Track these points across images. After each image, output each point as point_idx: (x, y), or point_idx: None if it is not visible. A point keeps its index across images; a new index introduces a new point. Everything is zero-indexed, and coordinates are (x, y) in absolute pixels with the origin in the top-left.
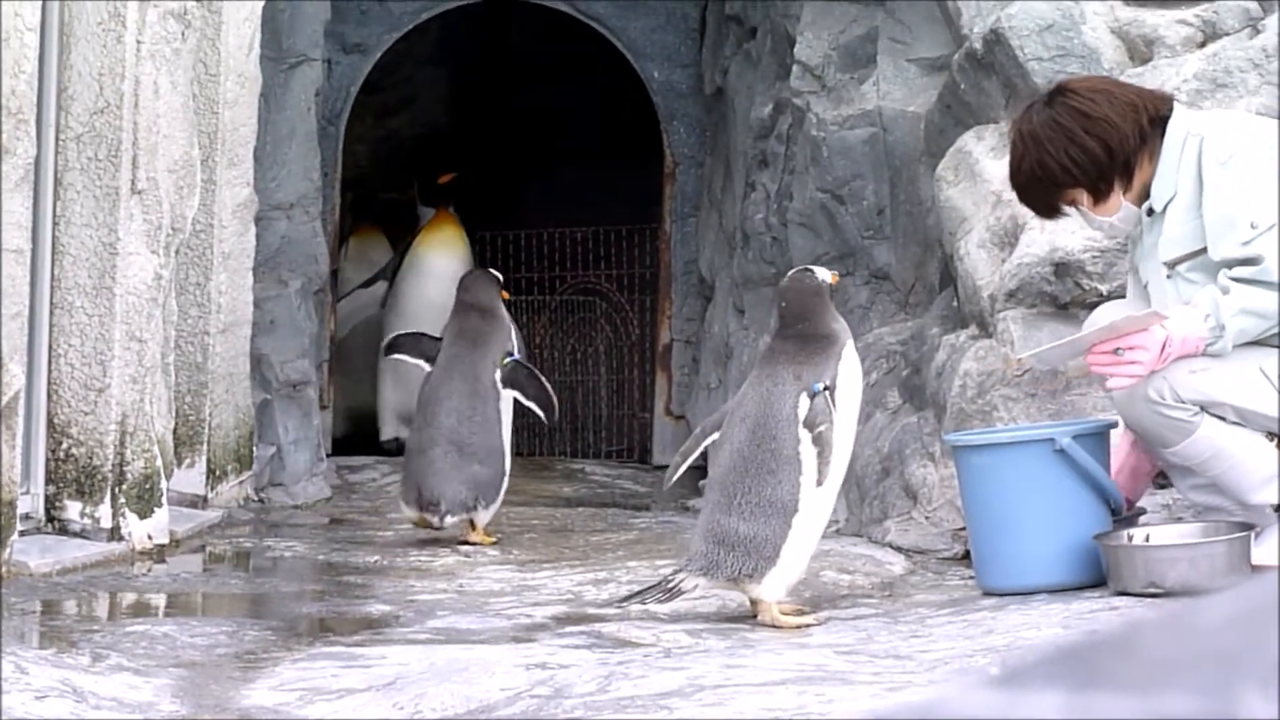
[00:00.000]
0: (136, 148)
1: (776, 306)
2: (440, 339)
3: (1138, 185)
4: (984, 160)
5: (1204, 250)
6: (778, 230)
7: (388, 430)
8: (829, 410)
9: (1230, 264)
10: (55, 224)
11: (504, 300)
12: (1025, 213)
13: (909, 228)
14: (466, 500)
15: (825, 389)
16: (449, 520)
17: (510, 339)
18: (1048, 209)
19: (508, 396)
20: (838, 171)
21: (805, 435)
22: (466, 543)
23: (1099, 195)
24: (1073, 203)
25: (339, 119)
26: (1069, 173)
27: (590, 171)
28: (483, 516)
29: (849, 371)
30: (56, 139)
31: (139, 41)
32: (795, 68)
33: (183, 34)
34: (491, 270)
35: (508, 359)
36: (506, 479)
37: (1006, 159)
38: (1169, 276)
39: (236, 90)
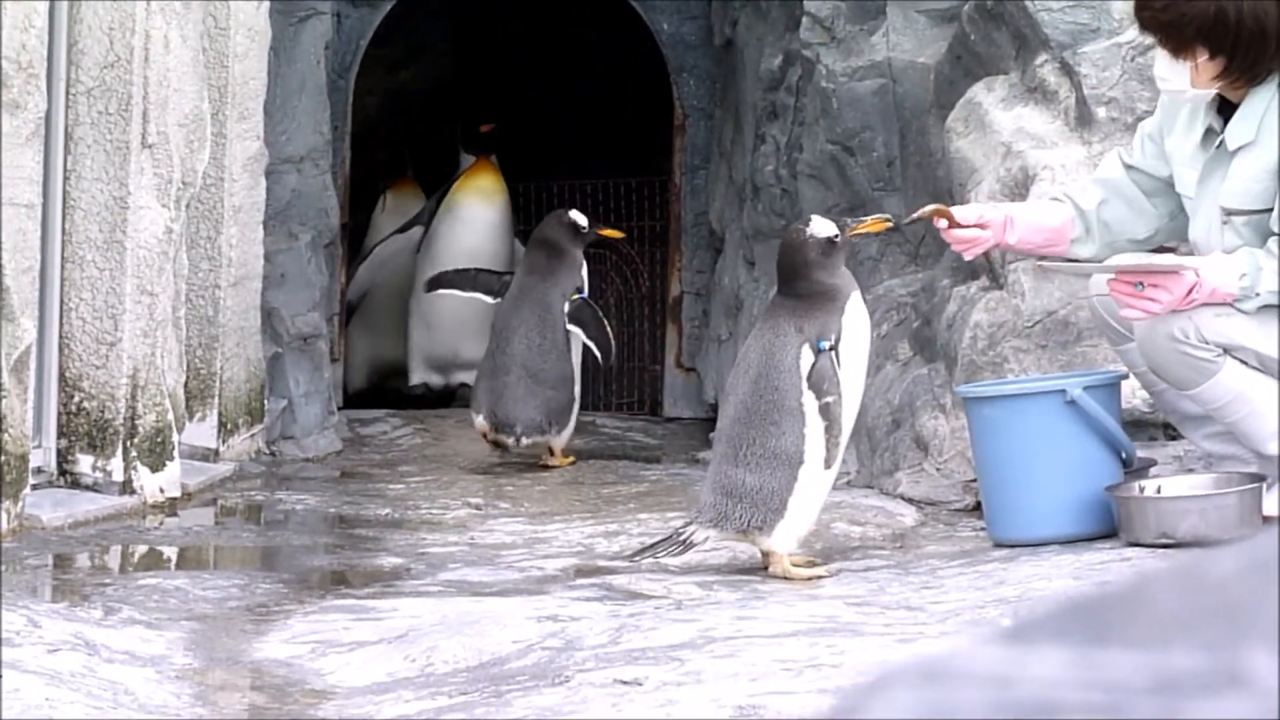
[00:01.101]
0: (147, 102)
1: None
2: (497, 273)
3: (1227, 87)
4: (994, 111)
5: (1267, 211)
6: (788, 182)
7: (416, 375)
8: (835, 375)
9: None
10: (66, 178)
11: (607, 238)
12: (1035, 163)
13: (919, 179)
14: (541, 424)
15: (831, 349)
16: (524, 442)
17: (580, 277)
18: (1174, 45)
19: (573, 331)
20: (847, 123)
21: (810, 398)
22: (546, 466)
23: (1220, 66)
24: (1190, 56)
25: (348, 72)
26: (1227, 36)
27: (598, 124)
28: (558, 440)
29: (854, 324)
30: (67, 93)
31: None
32: (805, 19)
33: None
34: (572, 211)
35: (577, 295)
36: (577, 405)
37: (1016, 110)
38: (1225, 222)
39: (246, 44)
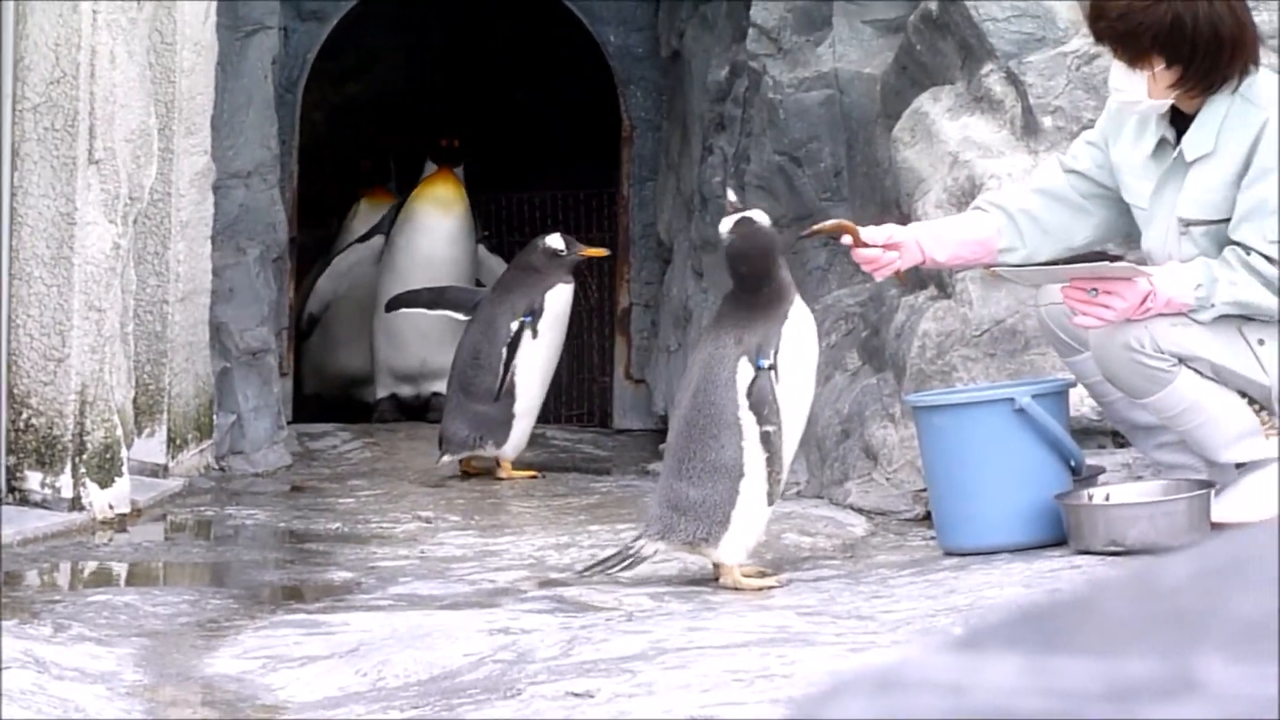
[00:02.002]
0: (93, 117)
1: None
2: (470, 290)
3: (1182, 97)
4: (940, 121)
5: (1225, 221)
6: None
7: (383, 389)
8: (774, 399)
9: (1245, 248)
10: (13, 195)
11: (594, 257)
12: (982, 173)
13: (866, 189)
14: (467, 439)
15: (771, 366)
16: (444, 459)
17: (540, 300)
18: (1130, 55)
19: (532, 344)
20: (794, 134)
21: (750, 420)
22: (497, 478)
23: (1177, 75)
24: (1147, 66)
25: (296, 86)
26: (1184, 44)
27: (546, 136)
28: (505, 452)
29: (795, 334)
30: (13, 110)
31: (95, 11)
32: (751, 30)
33: (139, 3)
34: (551, 236)
35: (526, 318)
36: (521, 419)
37: (962, 120)
38: (1183, 232)
39: (193, 59)
